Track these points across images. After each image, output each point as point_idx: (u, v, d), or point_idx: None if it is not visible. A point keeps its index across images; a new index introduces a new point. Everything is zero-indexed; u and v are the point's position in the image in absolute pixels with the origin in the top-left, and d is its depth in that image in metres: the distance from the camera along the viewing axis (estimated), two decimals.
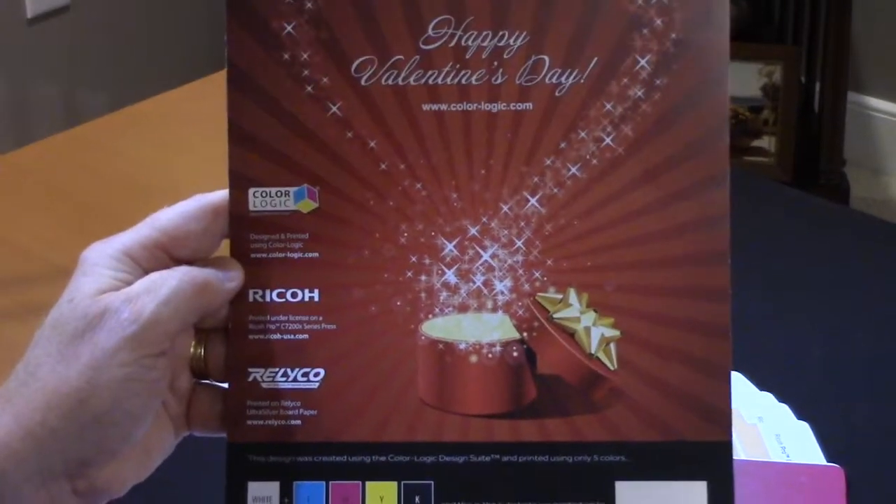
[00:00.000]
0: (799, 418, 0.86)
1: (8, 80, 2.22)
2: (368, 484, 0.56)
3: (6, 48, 2.20)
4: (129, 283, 0.54)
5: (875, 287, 1.00)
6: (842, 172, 2.13)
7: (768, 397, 0.88)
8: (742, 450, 0.85)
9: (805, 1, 2.22)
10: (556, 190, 0.56)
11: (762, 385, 0.88)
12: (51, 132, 1.33)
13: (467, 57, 0.56)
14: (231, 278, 0.56)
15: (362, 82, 0.57)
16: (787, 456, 0.84)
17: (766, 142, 2.19)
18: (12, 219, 1.10)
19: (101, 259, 0.55)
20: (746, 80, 2.16)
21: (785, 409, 0.87)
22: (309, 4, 0.57)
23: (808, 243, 1.05)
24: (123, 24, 2.34)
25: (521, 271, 0.57)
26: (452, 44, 0.56)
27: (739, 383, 0.89)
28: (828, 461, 0.84)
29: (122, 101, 1.36)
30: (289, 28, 0.57)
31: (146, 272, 0.55)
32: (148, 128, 1.26)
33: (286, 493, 0.56)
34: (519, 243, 0.57)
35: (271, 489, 0.56)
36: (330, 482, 0.56)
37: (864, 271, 1.02)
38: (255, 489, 0.56)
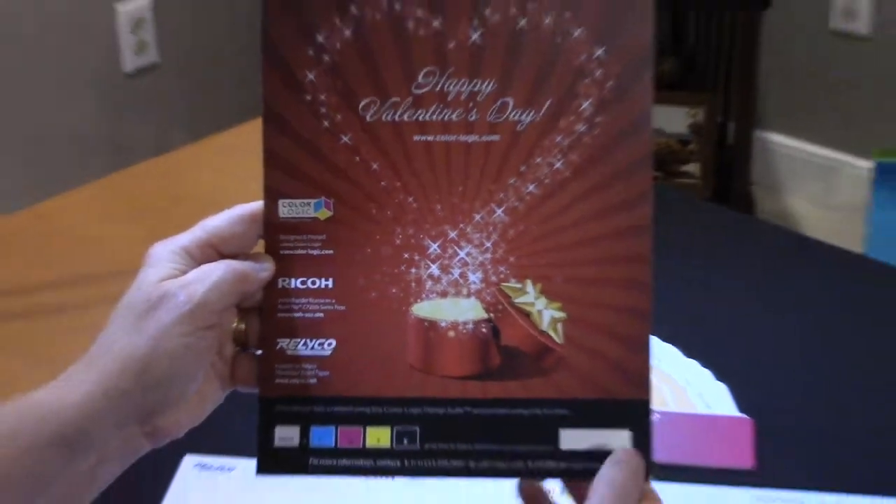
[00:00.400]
0: (718, 380, 0.86)
1: (109, 122, 2.22)
2: (368, 429, 0.55)
3: (108, 97, 2.20)
4: (184, 273, 0.54)
5: (775, 278, 1.00)
6: (749, 191, 2.13)
7: (695, 364, 0.88)
8: (674, 405, 0.85)
9: (721, 59, 2.22)
10: (517, 203, 0.56)
11: (690, 355, 0.89)
12: (140, 161, 1.33)
13: (449, 99, 0.56)
14: (264, 269, 0.56)
15: (367, 118, 0.56)
16: (709, 409, 0.84)
17: (692, 167, 2.19)
18: (112, 229, 1.10)
19: (163, 254, 0.54)
20: (677, 120, 2.16)
21: (707, 374, 0.87)
22: (326, 58, 0.56)
23: (724, 245, 1.05)
24: (201, 74, 2.34)
25: (489, 266, 0.56)
26: (437, 89, 0.56)
27: (673, 354, 0.89)
28: (740, 413, 0.83)
29: (199, 136, 1.36)
30: (310, 76, 0.56)
31: (199, 264, 0.54)
32: (217, 155, 1.26)
33: (304, 435, 0.55)
34: (488, 244, 0.56)
35: (293, 432, 0.55)
36: (338, 427, 0.55)
37: (766, 266, 1.02)
38: (281, 432, 0.55)
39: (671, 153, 2.17)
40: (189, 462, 0.77)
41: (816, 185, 2.38)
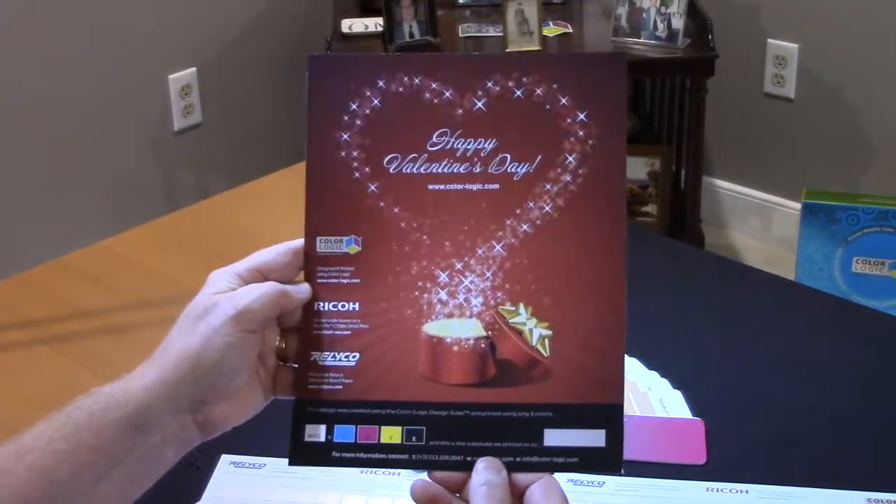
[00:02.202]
0: (674, 388, 0.86)
1: (161, 172, 2.22)
2: (383, 427, 0.55)
3: (161, 151, 2.21)
4: (235, 290, 0.55)
5: (721, 301, 0.99)
6: (699, 227, 2.13)
7: (655, 374, 0.87)
8: (637, 409, 0.84)
9: (674, 119, 2.23)
10: (513, 240, 0.56)
11: (651, 366, 0.88)
12: (188, 204, 1.33)
13: (457, 155, 0.56)
14: (303, 291, 0.56)
15: (390, 171, 0.57)
16: (667, 412, 0.83)
17: (650, 208, 2.19)
18: (165, 260, 1.10)
19: (220, 276, 0.55)
20: (637, 168, 2.17)
21: (665, 382, 0.87)
22: (358, 122, 0.57)
23: (679, 274, 1.05)
24: (236, 132, 2.35)
25: (489, 292, 0.56)
26: (448, 147, 0.57)
27: (637, 365, 0.88)
28: (693, 416, 0.83)
29: (235, 184, 1.36)
30: (345, 136, 0.57)
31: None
32: (250, 199, 1.26)
33: (329, 432, 0.55)
34: (488, 274, 0.56)
35: (321, 429, 0.55)
36: (358, 426, 0.55)
37: (714, 291, 1.01)
38: (310, 429, 0.55)
39: (633, 196, 2.17)
40: (225, 460, 0.77)
41: (755, 222, 2.39)
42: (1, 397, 0.90)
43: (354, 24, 2.05)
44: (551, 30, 2.01)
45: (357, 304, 0.56)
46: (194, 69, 2.20)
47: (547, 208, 0.56)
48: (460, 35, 2.02)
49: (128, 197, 2.13)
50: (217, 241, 1.13)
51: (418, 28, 1.94)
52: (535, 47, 1.91)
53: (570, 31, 2.04)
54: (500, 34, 1.94)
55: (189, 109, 2.22)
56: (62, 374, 0.93)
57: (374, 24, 2.03)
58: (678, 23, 1.91)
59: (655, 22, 1.93)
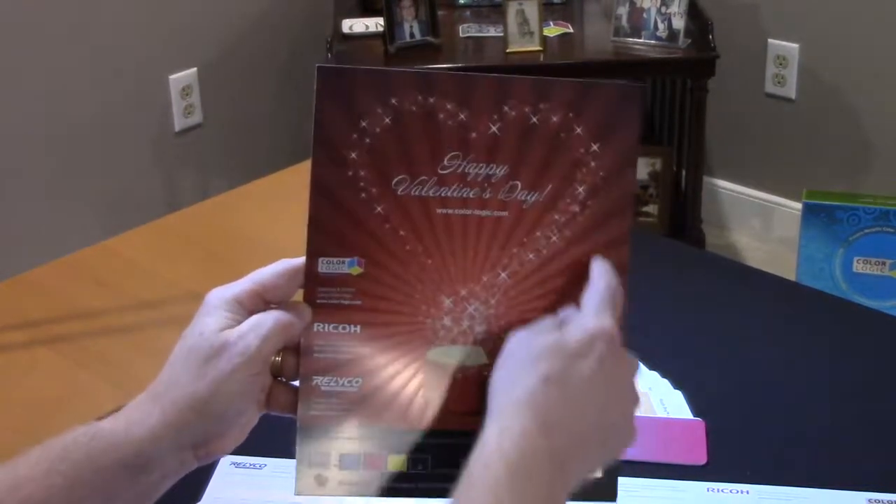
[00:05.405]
0: (675, 388, 0.86)
1: (162, 172, 2.22)
2: (389, 456, 0.55)
3: (162, 151, 2.21)
4: (238, 322, 0.54)
5: (722, 301, 0.99)
6: (700, 228, 2.13)
7: (655, 375, 0.87)
8: (638, 409, 0.83)
9: (675, 119, 2.23)
10: (518, 268, 0.56)
11: (651, 367, 0.88)
12: (188, 204, 1.32)
13: (468, 179, 0.56)
14: (304, 318, 0.55)
15: (398, 192, 0.55)
16: (668, 413, 0.83)
17: (651, 208, 2.19)
18: (166, 261, 1.09)
19: (219, 303, 0.54)
20: (638, 169, 2.16)
21: (666, 383, 0.87)
22: (367, 140, 0.55)
23: (679, 274, 1.05)
24: (236, 132, 2.35)
25: (492, 320, 0.56)
26: (459, 171, 0.55)
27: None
28: (693, 416, 0.82)
29: (235, 184, 1.36)
30: (353, 154, 0.55)
31: (250, 312, 0.54)
32: (250, 200, 1.26)
33: (336, 460, 0.55)
34: (492, 301, 0.56)
35: (327, 458, 0.55)
36: (364, 454, 0.55)
37: (715, 291, 1.01)
38: (316, 457, 0.55)
39: (634, 197, 2.17)
40: (226, 461, 0.77)
41: (755, 223, 2.39)
42: (1, 398, 0.90)
43: (355, 25, 2.05)
44: (552, 30, 2.01)
45: (358, 326, 0.55)
46: (195, 69, 2.20)
47: (554, 238, 0.55)
48: (461, 35, 2.02)
49: (128, 197, 2.13)
50: (217, 242, 1.13)
51: (419, 28, 1.94)
52: (536, 47, 1.91)
53: (571, 31, 2.04)
54: (501, 34, 1.94)
55: (190, 110, 2.22)
56: (62, 375, 0.93)
57: (374, 24, 2.03)
58: (679, 23, 1.91)
59: (656, 22, 1.93)
